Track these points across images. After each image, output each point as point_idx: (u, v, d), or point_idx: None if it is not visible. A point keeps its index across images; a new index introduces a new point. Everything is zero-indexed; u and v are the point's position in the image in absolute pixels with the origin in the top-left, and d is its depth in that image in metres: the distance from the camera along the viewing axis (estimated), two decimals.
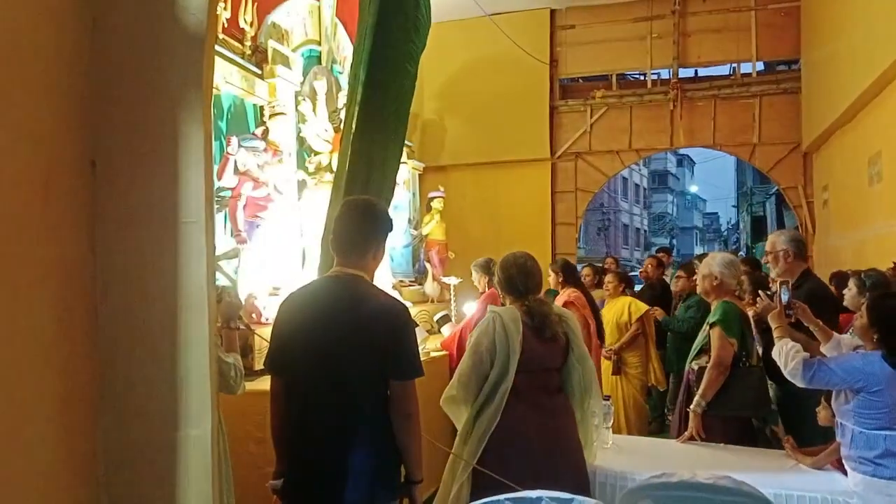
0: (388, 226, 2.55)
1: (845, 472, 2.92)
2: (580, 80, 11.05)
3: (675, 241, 41.06)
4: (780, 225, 18.37)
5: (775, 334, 3.12)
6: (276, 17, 5.63)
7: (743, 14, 9.82)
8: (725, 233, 43.43)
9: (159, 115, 1.90)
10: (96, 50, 1.88)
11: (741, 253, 24.35)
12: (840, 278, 4.66)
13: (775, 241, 3.79)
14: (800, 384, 2.96)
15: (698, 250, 42.64)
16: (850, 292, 3.98)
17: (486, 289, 5.42)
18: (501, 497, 2.02)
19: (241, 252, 4.51)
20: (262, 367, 3.72)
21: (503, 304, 3.24)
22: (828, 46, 7.82)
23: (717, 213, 49.48)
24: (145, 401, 1.88)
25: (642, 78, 10.90)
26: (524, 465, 2.86)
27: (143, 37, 1.90)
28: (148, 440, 1.88)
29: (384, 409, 2.32)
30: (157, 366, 1.89)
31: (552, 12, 10.47)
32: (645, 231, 42.21)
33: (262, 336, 4.24)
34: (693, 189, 48.70)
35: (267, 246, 4.77)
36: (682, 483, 2.25)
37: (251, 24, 5.25)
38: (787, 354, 2.98)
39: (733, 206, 37.59)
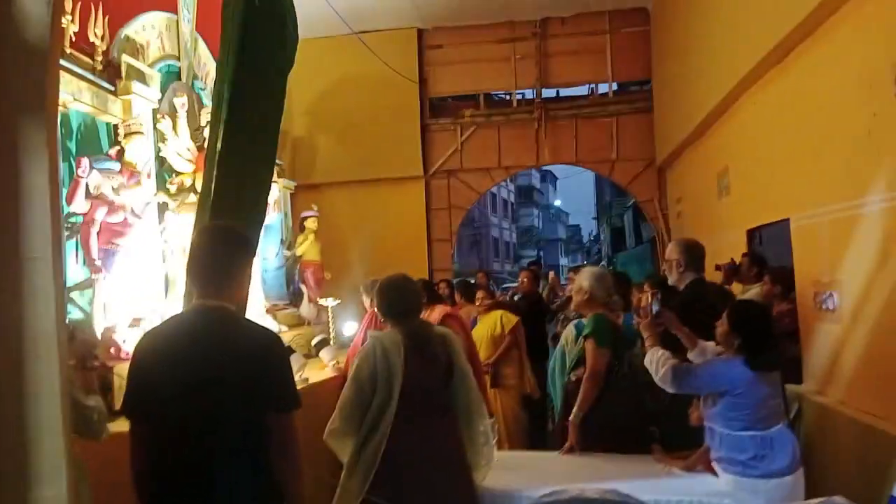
0: (250, 252, 2.43)
1: (715, 474, 3.08)
2: (449, 100, 11.24)
3: (542, 253, 42.67)
4: (638, 236, 19.57)
5: (647, 343, 3.25)
6: (130, 30, 5.26)
7: (598, 37, 10.42)
8: (588, 244, 45.69)
9: None
10: None
11: (603, 263, 25.71)
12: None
13: (671, 249, 3.95)
14: (670, 390, 3.10)
15: (563, 261, 44.63)
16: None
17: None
18: None
19: (95, 282, 4.14)
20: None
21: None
22: (675, 68, 8.42)
23: (578, 226, 51.98)
24: None
25: (508, 98, 11.25)
26: (414, 490, 2.79)
27: None
28: None
29: (263, 448, 2.17)
30: (1, 424, 1.65)
31: (420, 32, 10.60)
32: (514, 244, 43.56)
33: (122, 373, 3.92)
34: (557, 203, 50.94)
35: (125, 274, 4.42)
36: (572, 500, 2.27)
37: (102, 38, 4.86)
38: (657, 362, 3.12)
39: (593, 219, 39.66)
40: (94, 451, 2.62)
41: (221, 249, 2.27)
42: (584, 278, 3.86)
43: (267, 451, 2.17)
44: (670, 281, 3.95)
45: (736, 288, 5.56)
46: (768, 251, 6.02)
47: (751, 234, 6.21)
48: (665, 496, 2.99)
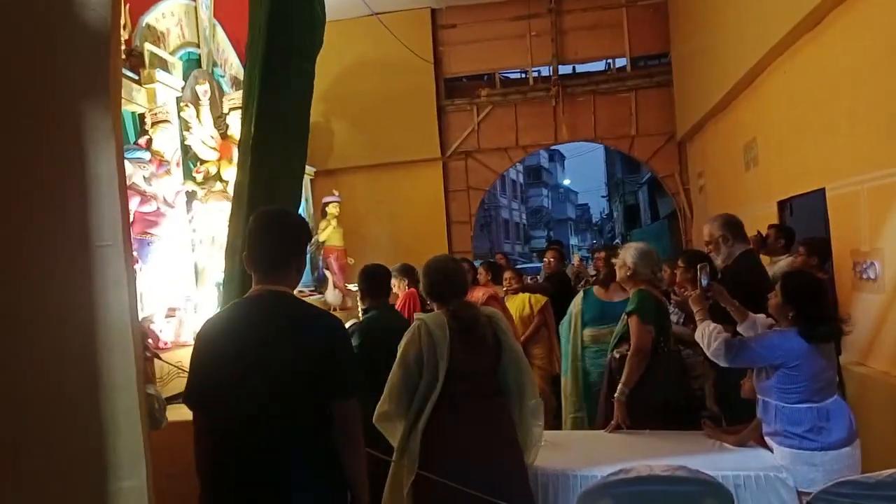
0: (307, 235, 2.40)
1: (767, 448, 3.04)
2: (464, 80, 11.14)
3: (552, 233, 42.54)
4: (654, 212, 19.45)
5: (697, 317, 3.20)
6: (151, 18, 5.22)
7: (614, 11, 10.26)
8: (599, 222, 45.51)
9: (61, 125, 1.64)
10: None
11: (617, 241, 25.60)
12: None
13: (711, 228, 3.87)
14: (723, 364, 3.05)
15: (573, 241, 44.49)
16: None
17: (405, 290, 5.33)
18: None
19: (134, 274, 4.12)
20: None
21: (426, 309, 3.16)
22: (696, 40, 8.29)
23: (587, 205, 51.75)
24: (67, 457, 1.62)
25: (524, 76, 11.13)
26: (464, 470, 2.77)
27: (37, 37, 1.63)
28: (76, 499, 1.62)
29: (328, 434, 2.16)
30: (76, 417, 1.63)
31: (433, 12, 10.48)
32: (524, 225, 43.43)
33: (166, 362, 3.91)
34: (566, 182, 50.67)
35: (160, 264, 4.41)
36: (639, 478, 2.25)
37: (124, 27, 4.82)
38: (709, 336, 3.06)
39: (603, 197, 39.44)
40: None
41: (283, 234, 2.24)
42: (629, 254, 3.81)
43: (331, 436, 2.15)
44: (719, 259, 3.87)
45: (764, 260, 5.50)
46: (799, 222, 5.94)
47: (782, 205, 6.13)
48: (718, 471, 2.94)
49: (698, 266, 3.28)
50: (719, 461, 3.03)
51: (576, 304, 4.60)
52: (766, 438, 3.05)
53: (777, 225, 5.75)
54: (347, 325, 2.84)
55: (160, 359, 3.28)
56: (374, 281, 3.97)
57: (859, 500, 2.13)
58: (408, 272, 5.19)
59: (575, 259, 9.26)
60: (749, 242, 3.90)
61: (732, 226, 3.83)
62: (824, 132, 4.92)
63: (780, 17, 5.25)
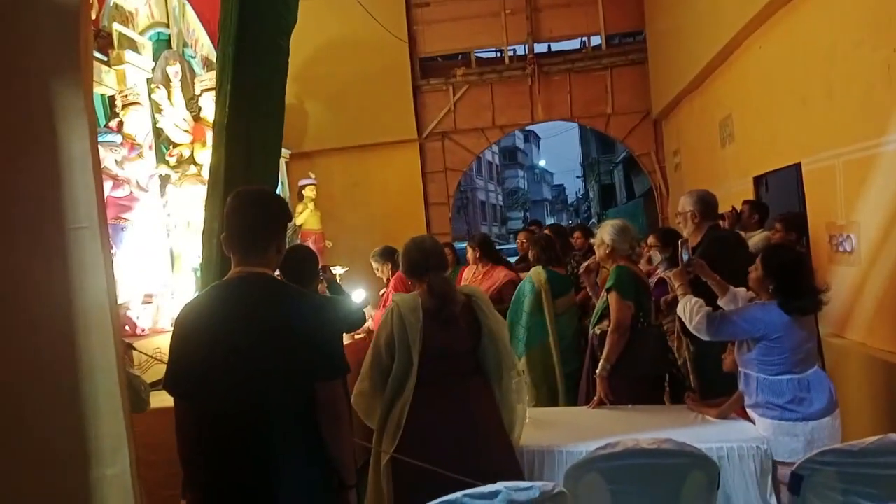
0: (287, 215, 2.34)
1: (748, 419, 3.08)
2: (439, 59, 11.03)
3: (528, 214, 42.65)
4: (630, 191, 19.56)
5: (678, 292, 3.23)
6: None
7: None
8: (575, 202, 45.69)
9: (31, 102, 1.58)
10: None
11: (593, 221, 25.74)
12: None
13: (683, 202, 3.91)
14: (705, 338, 3.08)
15: (549, 220, 44.64)
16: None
17: (391, 275, 5.31)
18: (458, 495, 1.92)
19: (111, 257, 4.04)
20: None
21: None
22: (671, 17, 8.29)
23: (563, 185, 51.94)
24: (46, 444, 1.58)
25: (499, 55, 11.06)
26: (443, 455, 2.75)
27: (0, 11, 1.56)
28: (56, 487, 1.58)
29: (312, 416, 2.13)
30: (56, 401, 1.59)
31: None
32: (500, 206, 43.48)
33: (139, 350, 3.85)
34: (541, 163, 50.76)
35: (135, 250, 4.32)
36: (626, 451, 2.25)
37: (91, 7, 4.68)
38: (691, 310, 3.09)
39: (578, 177, 39.58)
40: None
41: (262, 213, 2.18)
42: (606, 232, 3.82)
43: (316, 419, 2.12)
44: (686, 233, 3.92)
45: None
46: (775, 198, 6.01)
47: (757, 181, 6.18)
48: (702, 443, 2.96)
49: (679, 241, 3.29)
50: (702, 433, 3.06)
51: (540, 280, 4.61)
52: (749, 410, 3.09)
53: (751, 201, 5.81)
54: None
55: (133, 348, 3.22)
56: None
57: (844, 468, 2.16)
58: (389, 255, 5.17)
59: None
60: (718, 220, 3.94)
61: (705, 203, 3.87)
62: (800, 107, 4.95)
63: None
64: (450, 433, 2.81)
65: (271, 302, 2.11)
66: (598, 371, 3.68)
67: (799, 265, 3.02)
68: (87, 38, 1.67)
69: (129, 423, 1.72)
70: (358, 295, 5.92)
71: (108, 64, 4.78)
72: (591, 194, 32.62)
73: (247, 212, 2.17)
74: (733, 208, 5.70)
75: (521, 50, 10.66)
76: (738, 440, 2.96)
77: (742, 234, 5.53)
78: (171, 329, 2.18)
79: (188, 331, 2.12)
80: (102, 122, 4.72)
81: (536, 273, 4.66)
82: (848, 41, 4.18)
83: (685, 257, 3.22)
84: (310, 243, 7.59)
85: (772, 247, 3.23)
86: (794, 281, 2.94)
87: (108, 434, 1.65)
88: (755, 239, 5.43)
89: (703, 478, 2.30)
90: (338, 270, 6.02)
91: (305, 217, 7.76)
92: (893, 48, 3.67)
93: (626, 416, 3.47)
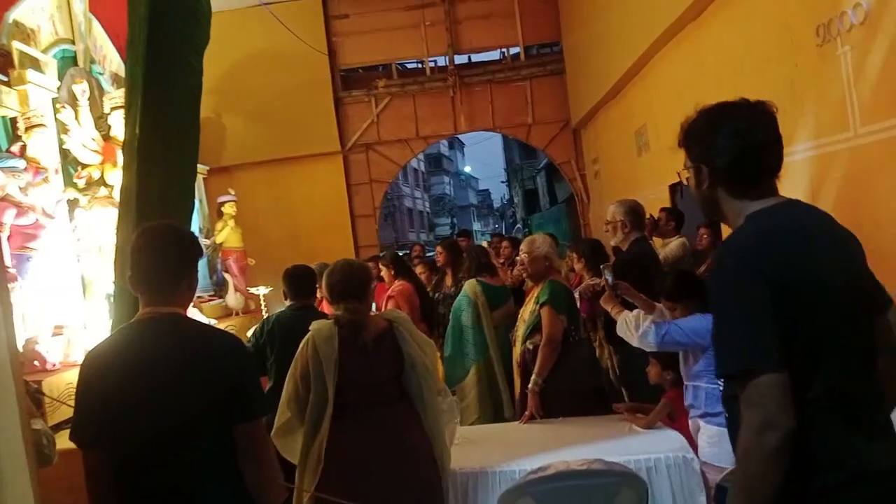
0: (198, 251, 2.21)
1: (674, 428, 3.16)
2: (360, 71, 10.96)
3: (455, 220, 42.92)
4: (552, 196, 19.94)
5: (613, 314, 3.23)
6: (18, 14, 4.78)
7: (507, 0, 10.34)
8: (500, 208, 46.26)
9: None
10: None
11: (518, 226, 26.11)
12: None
13: (614, 211, 3.98)
14: (650, 347, 3.02)
15: (476, 226, 45.03)
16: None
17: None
18: None
19: (10, 292, 3.79)
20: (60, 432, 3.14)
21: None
22: (586, 29, 8.50)
23: (488, 191, 52.50)
24: None
25: (421, 66, 11.08)
26: (370, 486, 2.70)
27: None
28: None
29: (233, 459, 2.03)
30: None
31: (324, 1, 10.24)
32: (427, 213, 43.57)
33: (50, 388, 3.63)
34: (466, 169, 51.18)
35: (42, 280, 4.07)
36: (557, 475, 2.27)
37: None
38: (634, 321, 3.06)
39: (503, 182, 40.08)
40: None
41: (171, 251, 2.07)
42: (544, 248, 3.86)
43: (236, 462, 2.03)
44: (614, 241, 4.01)
45: (657, 242, 5.73)
46: (690, 204, 6.22)
47: (673, 188, 6.39)
48: (631, 456, 3.02)
49: (601, 267, 3.34)
50: (631, 445, 3.13)
51: (476, 293, 4.55)
52: (696, 420, 3.09)
53: (667, 208, 6.00)
54: None
55: (41, 394, 3.02)
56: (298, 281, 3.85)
57: None
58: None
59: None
60: (644, 230, 4.05)
61: (634, 214, 3.96)
62: None
63: (664, 6, 5.44)
64: (376, 462, 2.75)
65: (183, 344, 2.01)
66: (529, 386, 3.71)
67: (691, 275, 3.12)
68: None
69: (37, 484, 1.59)
70: None
71: (8, 84, 4.50)
72: (515, 199, 33.08)
73: (153, 252, 2.05)
74: (651, 216, 5.87)
75: (442, 61, 10.72)
76: (665, 451, 3.02)
77: (660, 241, 5.73)
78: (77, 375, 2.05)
79: (96, 378, 1.99)
80: (4, 146, 4.44)
81: (471, 286, 4.64)
82: (753, 56, 4.37)
83: (610, 280, 3.25)
84: (231, 262, 7.38)
85: (661, 280, 3.31)
86: (698, 289, 3.03)
87: (13, 496, 1.52)
88: (672, 245, 5.62)
89: (633, 495, 2.34)
90: (261, 291, 5.85)
91: (226, 235, 7.52)
92: (795, 63, 3.86)
93: (556, 430, 3.51)
